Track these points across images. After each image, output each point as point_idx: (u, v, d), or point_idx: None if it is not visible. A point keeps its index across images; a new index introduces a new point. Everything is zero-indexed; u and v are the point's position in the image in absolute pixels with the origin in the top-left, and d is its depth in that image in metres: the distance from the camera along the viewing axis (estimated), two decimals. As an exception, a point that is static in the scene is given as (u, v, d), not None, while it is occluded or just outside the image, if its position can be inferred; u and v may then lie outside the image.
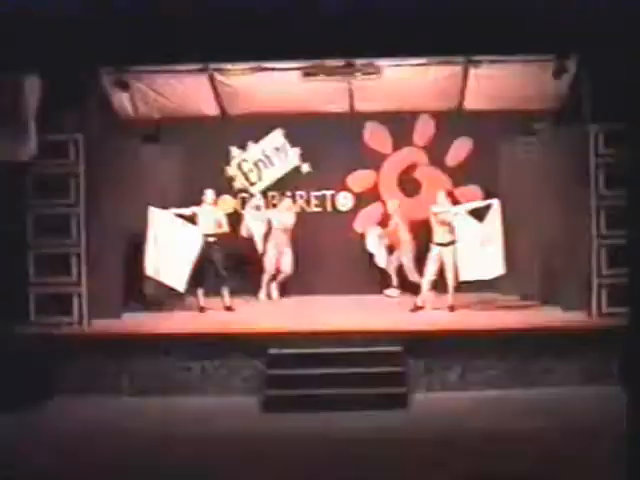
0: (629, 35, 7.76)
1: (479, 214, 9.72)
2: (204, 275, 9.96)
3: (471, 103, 10.64)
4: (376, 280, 11.40)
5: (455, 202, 10.34)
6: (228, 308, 10.10)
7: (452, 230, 9.64)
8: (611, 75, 8.48)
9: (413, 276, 10.72)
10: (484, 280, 9.75)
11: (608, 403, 7.03)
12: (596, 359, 8.32)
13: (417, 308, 9.78)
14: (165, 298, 10.30)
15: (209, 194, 10.19)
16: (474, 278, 9.57)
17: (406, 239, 10.91)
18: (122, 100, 10.11)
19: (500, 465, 6.07)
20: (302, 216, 11.49)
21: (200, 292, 10.07)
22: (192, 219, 10.06)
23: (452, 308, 9.70)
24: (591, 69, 8.92)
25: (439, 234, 9.74)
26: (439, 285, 9.84)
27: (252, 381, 8.34)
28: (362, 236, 11.47)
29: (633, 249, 6.73)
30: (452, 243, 9.61)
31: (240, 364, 8.47)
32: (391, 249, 11.17)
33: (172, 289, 9.92)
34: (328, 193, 11.81)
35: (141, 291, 10.37)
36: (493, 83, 9.95)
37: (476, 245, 9.50)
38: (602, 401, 7.38)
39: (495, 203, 9.63)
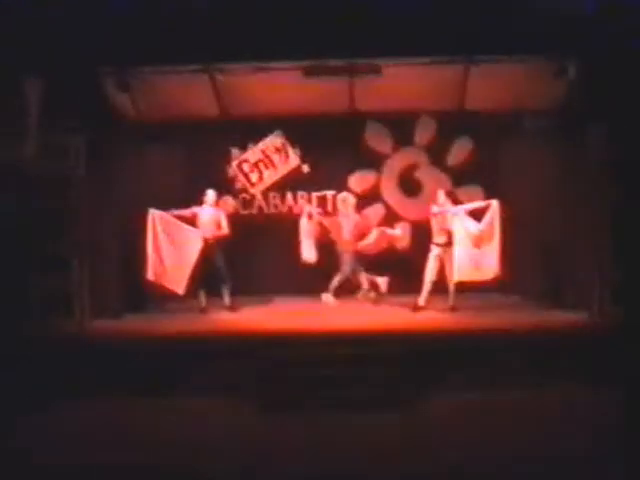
0: (629, 35, 7.78)
1: (477, 215, 9.71)
2: (205, 277, 9.94)
3: (472, 103, 10.63)
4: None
5: (456, 202, 10.33)
6: (230, 308, 10.10)
7: (451, 231, 9.64)
8: (612, 75, 8.49)
9: None
10: (485, 280, 9.75)
11: (609, 403, 7.03)
12: (598, 359, 8.30)
13: (418, 308, 9.77)
14: (166, 300, 10.31)
15: (210, 194, 10.17)
16: (469, 279, 9.55)
17: None
18: (122, 101, 10.10)
19: (501, 465, 6.07)
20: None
21: (202, 293, 10.07)
22: (192, 220, 10.05)
23: (453, 308, 9.69)
24: (592, 69, 8.91)
25: (438, 235, 9.74)
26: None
27: (253, 382, 8.32)
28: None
29: (632, 248, 6.77)
30: (451, 244, 9.61)
31: (241, 365, 8.44)
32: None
33: (173, 292, 9.93)
34: (329, 193, 11.83)
35: (143, 293, 10.37)
36: (494, 83, 9.94)
37: (472, 246, 9.49)
38: (603, 401, 7.36)
39: (494, 203, 9.61)
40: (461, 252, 9.50)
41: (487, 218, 9.54)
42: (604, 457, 6.03)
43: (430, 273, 9.75)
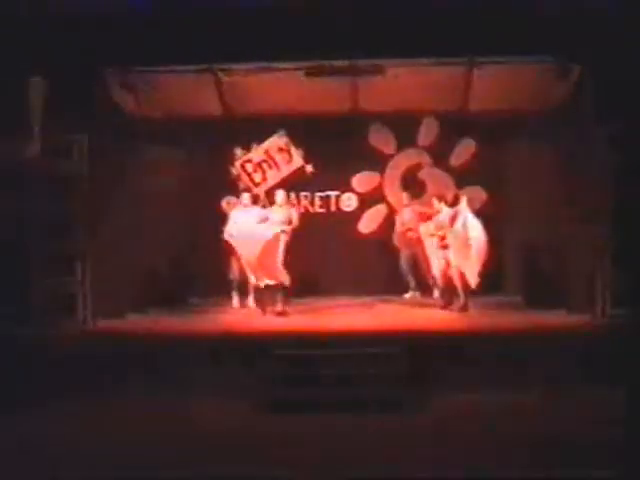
0: (631, 36, 7.76)
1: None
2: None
3: (475, 104, 10.64)
4: (380, 281, 11.40)
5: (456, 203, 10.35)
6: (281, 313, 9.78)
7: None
8: (614, 76, 8.48)
9: None
10: (489, 282, 9.75)
11: (609, 404, 7.01)
12: (600, 361, 8.28)
13: (446, 305, 9.91)
14: (169, 301, 10.34)
15: (280, 194, 10.24)
16: (458, 283, 9.62)
17: None
18: (126, 100, 10.12)
19: (501, 468, 6.07)
20: (306, 217, 11.51)
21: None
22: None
23: (464, 308, 9.66)
24: (594, 70, 8.90)
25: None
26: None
27: (255, 382, 8.31)
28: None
29: (634, 250, 6.75)
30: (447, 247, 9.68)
31: (243, 365, 8.44)
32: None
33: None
34: (332, 194, 11.84)
35: (145, 293, 10.38)
36: (497, 84, 9.94)
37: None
38: (604, 402, 7.35)
39: (462, 204, 9.59)
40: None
41: (457, 222, 9.54)
42: (605, 457, 6.03)
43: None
